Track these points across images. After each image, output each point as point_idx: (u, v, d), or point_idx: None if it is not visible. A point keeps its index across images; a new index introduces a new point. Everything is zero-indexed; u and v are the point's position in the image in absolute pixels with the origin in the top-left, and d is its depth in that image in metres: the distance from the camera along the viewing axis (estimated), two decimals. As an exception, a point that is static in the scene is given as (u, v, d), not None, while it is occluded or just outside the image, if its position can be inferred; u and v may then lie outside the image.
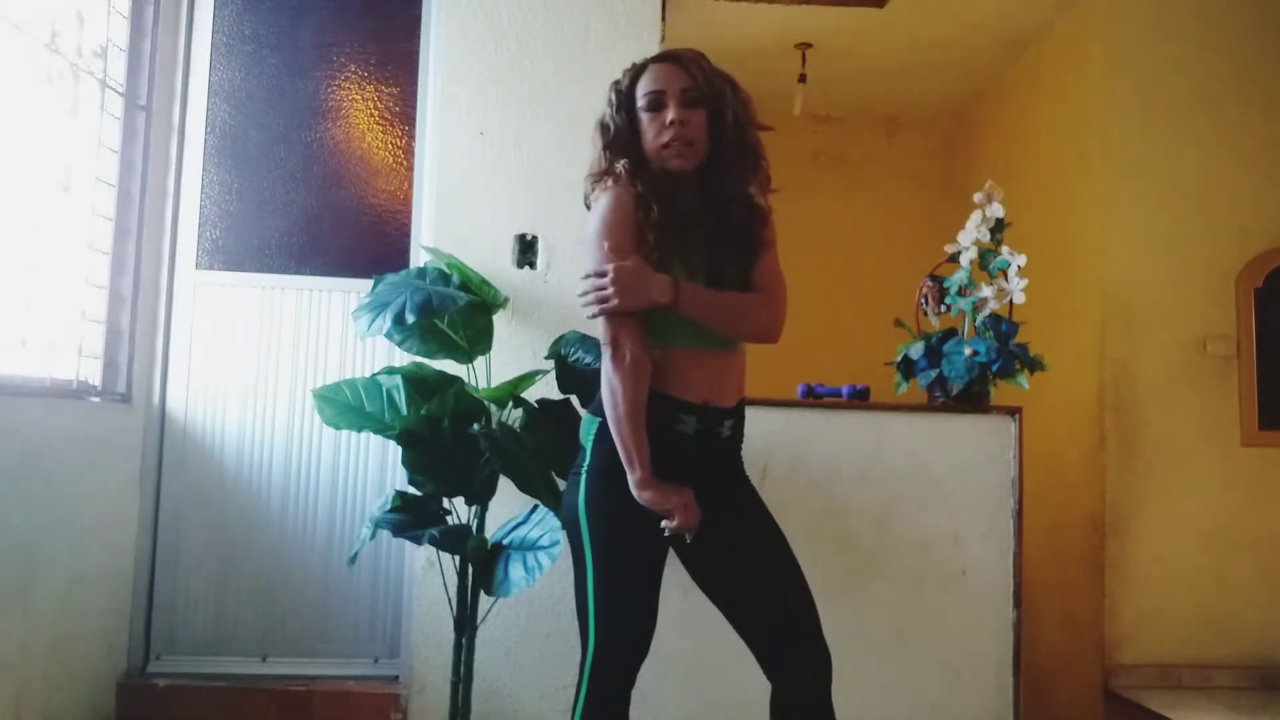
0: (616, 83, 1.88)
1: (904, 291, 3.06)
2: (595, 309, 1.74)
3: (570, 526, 1.81)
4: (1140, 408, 3.49)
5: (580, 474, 1.81)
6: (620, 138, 1.83)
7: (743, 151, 1.83)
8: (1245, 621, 3.41)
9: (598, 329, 1.78)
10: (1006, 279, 2.75)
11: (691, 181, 1.84)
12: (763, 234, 1.86)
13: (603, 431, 1.79)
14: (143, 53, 2.90)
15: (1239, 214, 3.55)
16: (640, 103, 1.82)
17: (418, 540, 2.33)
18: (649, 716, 1.81)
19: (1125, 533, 3.44)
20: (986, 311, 2.75)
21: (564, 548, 2.21)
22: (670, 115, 1.78)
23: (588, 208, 1.88)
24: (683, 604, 2.01)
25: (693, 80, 1.80)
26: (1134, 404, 3.49)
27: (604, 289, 1.72)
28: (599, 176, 1.86)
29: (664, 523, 1.73)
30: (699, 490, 1.78)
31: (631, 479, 1.72)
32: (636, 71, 1.86)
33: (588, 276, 1.76)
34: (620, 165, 1.81)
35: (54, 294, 2.59)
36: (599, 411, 1.81)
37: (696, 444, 1.80)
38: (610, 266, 1.72)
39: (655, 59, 1.86)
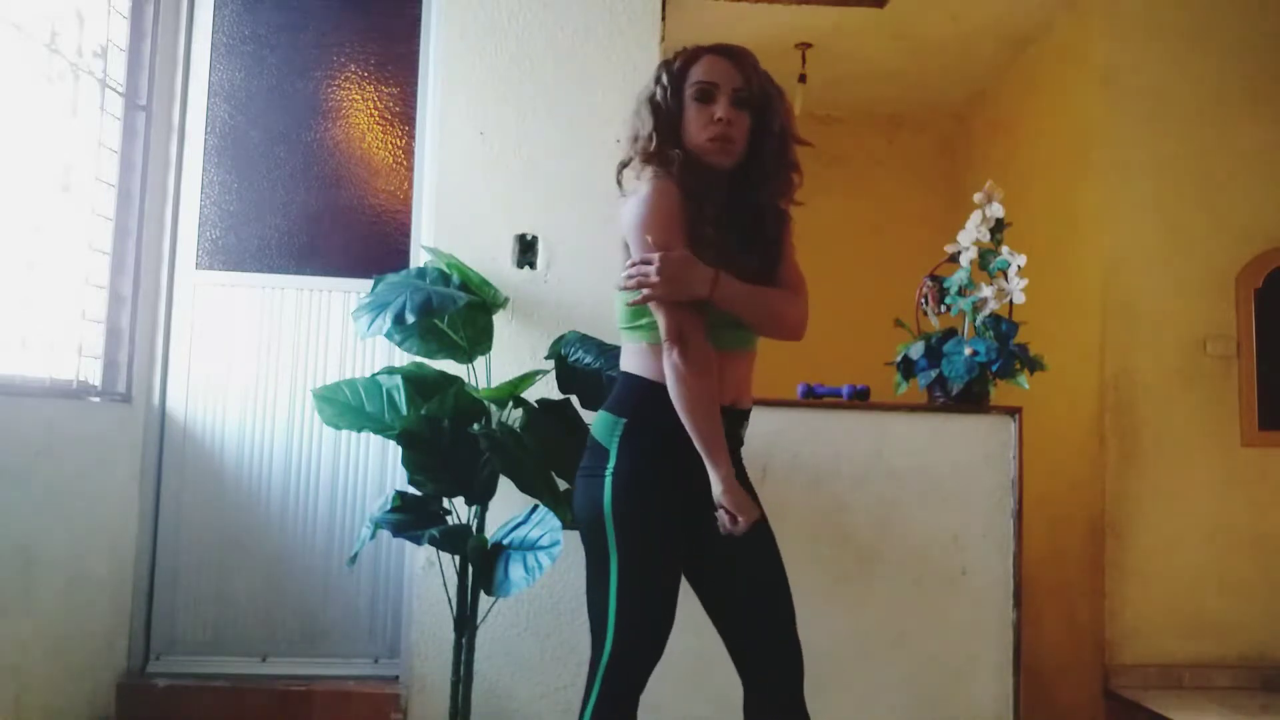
0: (668, 63, 1.83)
1: (904, 291, 3.05)
2: (638, 295, 1.70)
3: (593, 527, 1.74)
4: (1140, 408, 3.49)
5: (604, 475, 1.73)
6: (671, 121, 1.79)
7: (783, 163, 1.82)
8: (1245, 621, 3.41)
9: (660, 323, 1.71)
10: (1006, 279, 2.75)
11: (724, 181, 1.81)
12: (788, 239, 1.87)
13: (630, 432, 1.75)
14: (143, 53, 2.89)
15: (1239, 214, 3.55)
16: (690, 90, 1.78)
17: (418, 540, 2.33)
18: (649, 717, 1.80)
19: (1125, 533, 3.44)
20: (986, 311, 2.75)
21: (565, 548, 2.22)
22: (719, 112, 1.76)
23: (618, 183, 1.86)
24: (683, 604, 2.01)
25: (745, 81, 1.78)
26: (1134, 404, 3.49)
27: (648, 276, 1.68)
28: (647, 158, 1.79)
29: (725, 521, 1.68)
30: (706, 491, 1.76)
31: (717, 475, 1.68)
32: (690, 57, 1.81)
33: (634, 264, 1.72)
34: (675, 153, 1.76)
35: (54, 294, 2.59)
36: (623, 411, 1.77)
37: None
38: (657, 255, 1.68)
39: (712, 50, 1.81)
